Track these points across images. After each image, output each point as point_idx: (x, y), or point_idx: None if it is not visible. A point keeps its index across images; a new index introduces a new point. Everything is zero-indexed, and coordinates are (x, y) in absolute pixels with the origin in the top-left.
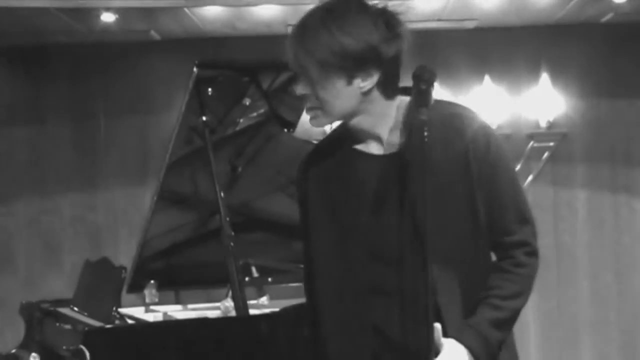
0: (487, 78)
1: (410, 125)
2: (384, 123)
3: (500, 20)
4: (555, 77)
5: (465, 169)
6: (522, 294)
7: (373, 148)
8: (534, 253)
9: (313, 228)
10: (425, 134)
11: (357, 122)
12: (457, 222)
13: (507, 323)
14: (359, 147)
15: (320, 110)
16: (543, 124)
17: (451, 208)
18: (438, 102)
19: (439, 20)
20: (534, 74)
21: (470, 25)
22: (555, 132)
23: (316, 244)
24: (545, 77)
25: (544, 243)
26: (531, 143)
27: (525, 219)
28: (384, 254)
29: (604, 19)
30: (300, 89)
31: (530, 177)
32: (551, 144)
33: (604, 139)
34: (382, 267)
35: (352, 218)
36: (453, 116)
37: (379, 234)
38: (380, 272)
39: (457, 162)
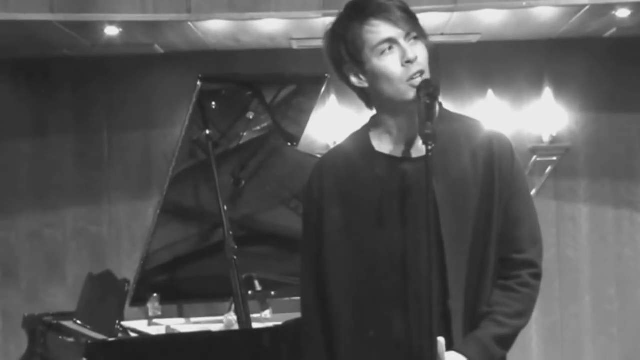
0: (490, 92)
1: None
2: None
3: (503, 34)
4: (558, 91)
5: (488, 182)
6: (526, 314)
7: (398, 151)
8: (538, 275)
9: (328, 231)
10: (431, 147)
11: (391, 122)
12: (472, 230)
13: (509, 340)
14: (383, 150)
15: None
16: (546, 138)
17: (468, 216)
18: (460, 115)
19: (442, 34)
20: (537, 88)
21: (473, 39)
22: (558, 147)
23: (331, 249)
24: (548, 92)
25: (547, 257)
26: (534, 157)
27: (536, 239)
28: (402, 259)
29: (607, 34)
30: None
31: (533, 192)
32: (554, 158)
33: (607, 154)
34: (398, 274)
35: (371, 222)
36: (478, 128)
37: (397, 239)
38: (395, 279)
39: (482, 174)
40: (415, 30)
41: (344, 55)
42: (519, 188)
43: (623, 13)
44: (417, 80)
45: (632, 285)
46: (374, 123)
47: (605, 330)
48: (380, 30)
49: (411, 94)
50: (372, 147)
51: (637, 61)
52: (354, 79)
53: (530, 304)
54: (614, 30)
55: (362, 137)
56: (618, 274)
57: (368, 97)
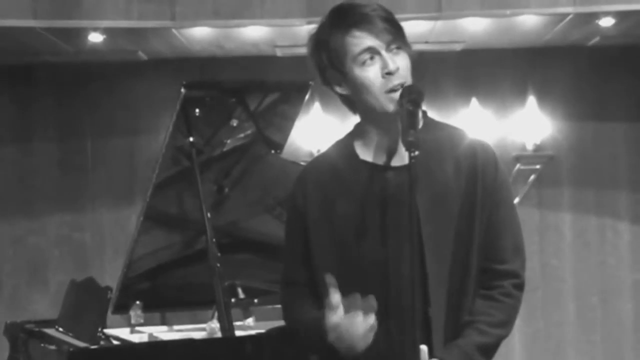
0: (474, 100)
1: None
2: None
3: (487, 42)
4: (542, 99)
5: (471, 191)
6: (508, 324)
7: (381, 159)
8: (521, 286)
9: (315, 239)
10: (414, 154)
11: (374, 131)
12: (453, 239)
13: (491, 350)
14: (367, 158)
15: None
16: (529, 146)
17: (450, 225)
18: (444, 124)
19: (426, 42)
20: (521, 97)
21: (457, 47)
22: (541, 155)
23: (320, 257)
24: (531, 100)
25: (530, 265)
26: (517, 166)
27: (519, 250)
28: (384, 268)
29: (591, 43)
30: None
31: (516, 200)
32: (537, 166)
33: (590, 162)
34: (380, 282)
35: (354, 230)
36: (462, 137)
37: (379, 247)
38: (377, 287)
39: (465, 183)
40: (398, 41)
41: (326, 63)
42: (502, 198)
43: (607, 22)
44: (397, 93)
45: (615, 294)
46: (357, 131)
47: (588, 338)
48: (362, 40)
49: (391, 106)
50: (356, 155)
51: (620, 70)
52: (336, 87)
53: (512, 314)
54: (597, 39)
55: (346, 145)
56: (601, 283)
57: (352, 103)
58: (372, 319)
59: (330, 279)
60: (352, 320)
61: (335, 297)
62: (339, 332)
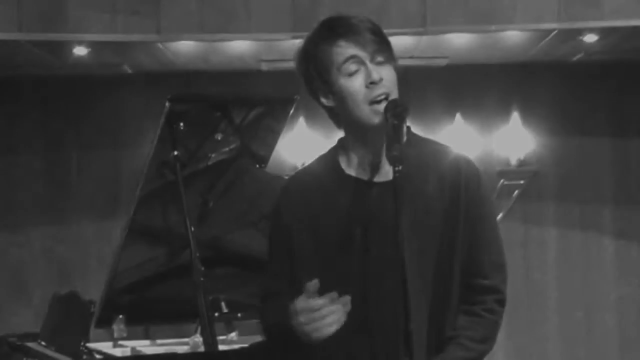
0: (458, 115)
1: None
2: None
3: (471, 58)
4: (526, 115)
5: (454, 207)
6: (490, 340)
7: (365, 174)
8: (503, 302)
9: (299, 254)
10: (398, 168)
11: (359, 144)
12: (436, 254)
13: None
14: (351, 172)
15: None
16: (514, 161)
17: (433, 240)
18: (428, 139)
19: (411, 57)
20: (505, 112)
21: (442, 62)
22: (525, 170)
23: (305, 271)
24: (516, 115)
25: (514, 280)
26: (502, 181)
27: (500, 266)
28: (367, 282)
29: (575, 58)
30: None
31: (500, 215)
32: (521, 181)
33: (574, 177)
34: (363, 297)
35: (338, 245)
36: (446, 153)
37: (362, 262)
38: (360, 302)
39: (448, 198)
40: (384, 53)
41: (313, 74)
42: (484, 213)
43: (590, 38)
44: (381, 105)
45: (599, 309)
46: (342, 145)
47: (572, 354)
48: (348, 51)
49: (375, 118)
50: (340, 169)
51: (604, 86)
52: (322, 99)
53: (494, 330)
54: (581, 55)
55: (330, 158)
56: (585, 298)
57: (337, 117)
58: (341, 313)
59: (313, 285)
60: (322, 305)
61: (314, 282)
62: (306, 316)
